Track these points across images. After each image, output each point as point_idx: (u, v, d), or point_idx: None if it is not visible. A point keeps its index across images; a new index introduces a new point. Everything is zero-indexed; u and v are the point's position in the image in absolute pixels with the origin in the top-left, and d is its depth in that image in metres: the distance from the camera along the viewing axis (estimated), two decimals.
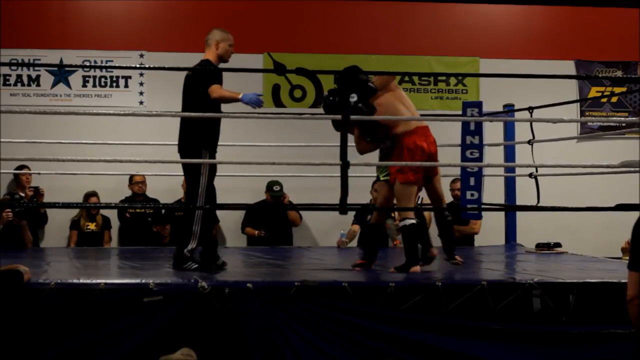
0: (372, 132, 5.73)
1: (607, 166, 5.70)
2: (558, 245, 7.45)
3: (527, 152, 6.84)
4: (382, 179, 5.83)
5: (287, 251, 7.35)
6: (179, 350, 3.87)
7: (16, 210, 6.88)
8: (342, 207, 4.74)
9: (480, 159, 7.01)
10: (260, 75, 8.92)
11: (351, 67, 5.37)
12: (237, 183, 7.75)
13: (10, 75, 8.68)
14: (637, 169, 5.80)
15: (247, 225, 8.37)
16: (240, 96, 5.22)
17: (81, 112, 7.13)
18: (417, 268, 5.45)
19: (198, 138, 5.39)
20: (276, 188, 8.20)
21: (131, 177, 8.21)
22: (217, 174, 6.99)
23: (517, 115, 7.76)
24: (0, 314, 4.18)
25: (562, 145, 8.09)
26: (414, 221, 5.55)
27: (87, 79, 8.82)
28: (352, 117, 5.11)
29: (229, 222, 8.65)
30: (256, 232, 8.21)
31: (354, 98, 5.40)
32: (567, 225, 8.72)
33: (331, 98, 5.56)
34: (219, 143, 5.51)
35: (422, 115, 6.84)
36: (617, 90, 9.47)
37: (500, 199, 8.02)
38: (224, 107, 5.51)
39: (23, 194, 7.38)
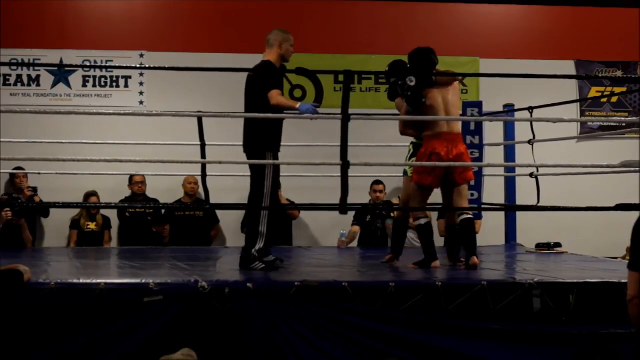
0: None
1: (607, 166, 5.70)
2: (558, 245, 7.44)
3: (527, 152, 6.84)
4: (408, 174, 5.88)
5: (287, 251, 7.33)
6: (179, 350, 3.87)
7: (15, 210, 6.88)
8: (342, 207, 4.75)
9: (480, 159, 7.02)
10: None
11: (425, 48, 5.49)
12: (237, 183, 7.73)
13: (10, 75, 8.68)
14: (637, 169, 5.80)
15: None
16: (297, 106, 5.25)
17: (81, 112, 7.12)
18: (437, 263, 5.61)
19: (260, 139, 5.41)
20: None
21: (131, 177, 8.20)
22: (217, 173, 7.00)
23: (517, 115, 7.76)
24: (1, 314, 4.18)
25: (562, 145, 8.09)
26: (427, 220, 5.73)
27: (87, 79, 8.82)
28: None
29: (229, 222, 8.65)
30: None
31: (412, 82, 5.41)
32: (567, 225, 8.72)
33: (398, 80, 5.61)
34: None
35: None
36: (617, 90, 9.46)
37: (500, 199, 8.01)
38: (225, 108, 5.51)
39: (21, 195, 7.37)
